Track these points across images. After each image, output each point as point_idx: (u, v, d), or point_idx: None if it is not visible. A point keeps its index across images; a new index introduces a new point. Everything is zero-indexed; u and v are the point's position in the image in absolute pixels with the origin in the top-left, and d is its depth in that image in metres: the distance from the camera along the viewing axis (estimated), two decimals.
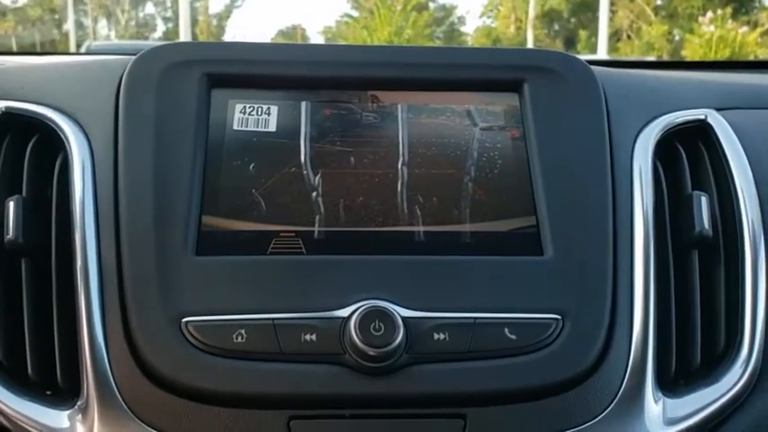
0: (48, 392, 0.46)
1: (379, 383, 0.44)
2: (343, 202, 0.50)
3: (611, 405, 0.45)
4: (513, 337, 0.45)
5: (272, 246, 0.48)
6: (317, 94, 0.54)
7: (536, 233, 0.50)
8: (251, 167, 0.51)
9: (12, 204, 0.48)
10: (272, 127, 0.53)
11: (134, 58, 0.54)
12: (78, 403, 0.44)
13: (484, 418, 0.44)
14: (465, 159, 0.52)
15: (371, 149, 0.52)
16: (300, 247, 0.48)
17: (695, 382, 0.48)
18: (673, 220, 0.53)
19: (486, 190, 0.51)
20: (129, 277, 0.46)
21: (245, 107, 0.53)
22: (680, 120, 0.56)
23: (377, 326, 0.43)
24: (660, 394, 0.47)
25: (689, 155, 0.56)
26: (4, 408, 0.44)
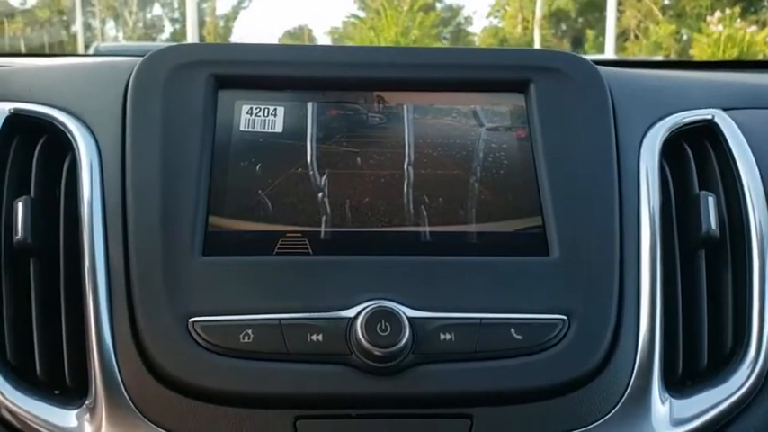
0: (56, 392, 0.46)
1: (386, 383, 0.44)
2: (349, 202, 0.50)
3: (618, 405, 0.45)
4: (520, 337, 0.45)
5: (278, 246, 0.48)
6: (323, 94, 0.54)
7: (542, 233, 0.50)
8: (257, 168, 0.51)
9: (20, 205, 0.48)
10: (279, 128, 0.53)
11: (141, 59, 0.54)
12: (86, 402, 0.45)
13: (490, 418, 0.44)
14: (471, 160, 0.53)
15: (377, 150, 0.53)
16: (307, 248, 0.49)
17: (702, 382, 0.48)
18: (680, 220, 0.52)
19: (492, 190, 0.51)
20: (136, 277, 0.46)
21: (251, 108, 0.53)
22: (687, 120, 0.56)
23: (383, 326, 0.43)
24: (667, 395, 0.47)
25: (696, 155, 0.56)
26: (13, 407, 0.44)
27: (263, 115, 0.53)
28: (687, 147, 0.56)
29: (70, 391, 0.46)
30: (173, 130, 0.51)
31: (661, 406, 0.46)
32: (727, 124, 0.56)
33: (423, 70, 0.55)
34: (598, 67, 0.57)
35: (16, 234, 0.47)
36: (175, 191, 0.49)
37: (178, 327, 0.45)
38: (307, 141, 0.52)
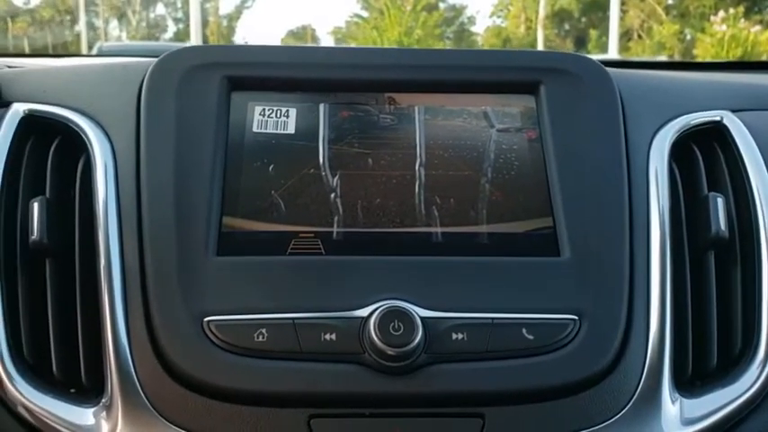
0: (72, 390, 0.47)
1: (399, 383, 0.44)
2: (361, 203, 0.51)
3: (628, 405, 0.46)
4: (531, 337, 0.46)
5: (291, 246, 0.49)
6: (334, 96, 0.55)
7: (553, 234, 0.50)
8: (270, 169, 0.51)
9: (36, 206, 0.48)
10: (291, 129, 0.53)
11: (155, 60, 0.54)
12: (102, 401, 0.45)
13: (502, 417, 0.45)
14: (482, 161, 0.53)
15: (389, 151, 0.53)
16: (319, 248, 0.49)
17: (712, 382, 0.49)
18: (689, 221, 0.53)
19: (503, 191, 0.52)
20: (151, 277, 0.47)
21: (264, 110, 0.54)
22: (696, 121, 0.57)
23: (396, 326, 0.44)
24: (677, 395, 0.47)
25: (704, 156, 0.56)
26: (30, 405, 0.45)
27: (276, 117, 0.54)
28: (696, 148, 0.56)
29: (86, 389, 0.47)
30: (187, 131, 0.51)
31: (671, 406, 0.46)
32: (735, 125, 0.57)
33: (434, 72, 0.56)
34: (607, 68, 0.57)
35: (32, 234, 0.48)
36: (190, 191, 0.49)
37: (193, 326, 0.45)
38: (319, 142, 0.53)
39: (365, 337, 0.44)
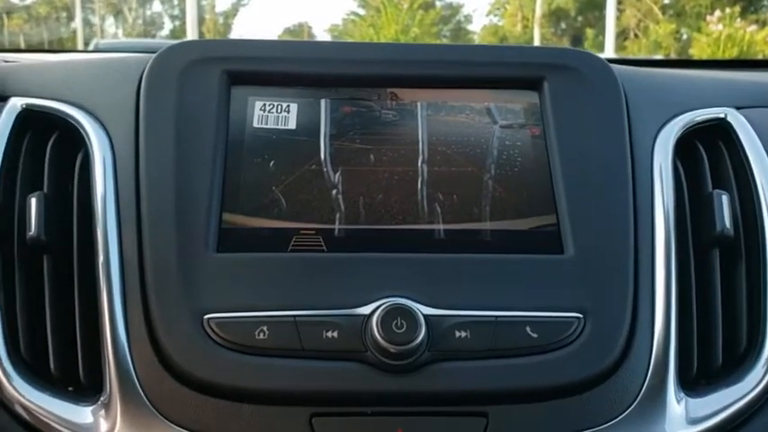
0: (70, 388, 0.46)
1: (401, 381, 0.44)
2: (363, 199, 0.50)
3: (633, 404, 0.45)
4: (535, 335, 0.45)
5: (292, 243, 0.48)
6: (336, 91, 0.54)
7: (556, 231, 0.49)
8: (271, 165, 0.51)
9: (33, 201, 0.48)
10: (292, 124, 0.53)
11: (154, 55, 0.54)
12: (101, 399, 0.44)
13: (506, 416, 0.44)
14: (485, 157, 0.52)
15: (391, 147, 0.52)
16: (321, 245, 0.48)
17: (717, 381, 0.48)
18: (693, 218, 0.52)
19: (507, 188, 0.51)
20: (150, 274, 0.46)
21: (264, 105, 0.53)
22: (700, 118, 0.56)
23: (399, 323, 0.43)
24: (682, 394, 0.47)
25: (709, 153, 0.55)
26: (27, 403, 0.44)
27: (277, 112, 0.53)
28: (700, 145, 0.56)
29: (84, 387, 0.46)
30: (186, 126, 0.51)
31: (676, 405, 0.46)
32: (739, 123, 0.56)
33: (437, 67, 0.55)
34: (612, 65, 0.57)
35: (30, 230, 0.47)
36: (189, 187, 0.49)
37: (193, 323, 0.44)
38: (320, 138, 0.52)
39: (367, 335, 0.44)
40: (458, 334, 0.45)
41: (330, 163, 0.51)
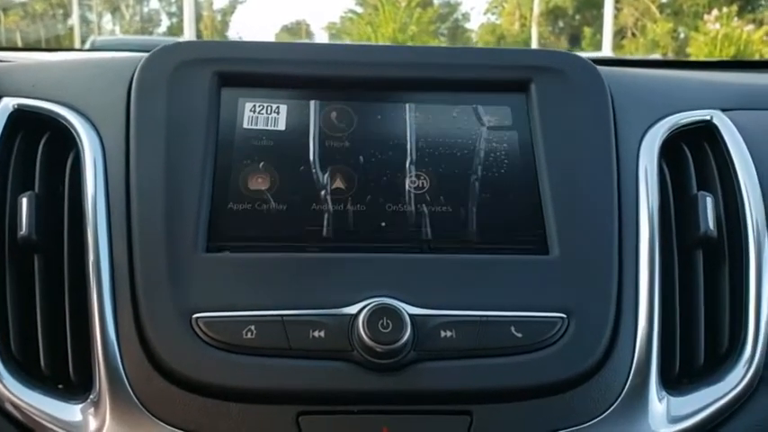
0: (59, 386, 0.47)
1: (387, 380, 0.44)
2: (351, 200, 0.51)
3: (616, 403, 0.46)
4: (519, 335, 0.46)
5: (280, 243, 0.49)
6: (325, 93, 0.55)
7: (542, 232, 0.50)
8: (260, 165, 0.51)
9: (25, 201, 0.48)
10: (282, 126, 0.53)
11: (145, 56, 0.54)
12: (90, 397, 0.45)
13: (490, 414, 0.45)
14: (472, 159, 0.53)
15: (379, 148, 0.53)
16: (309, 245, 0.49)
17: (698, 381, 0.49)
18: (678, 220, 0.53)
19: (493, 189, 0.52)
20: (140, 273, 0.47)
21: (254, 106, 0.54)
22: (685, 120, 0.57)
23: (384, 323, 0.44)
24: (664, 393, 0.47)
25: (694, 155, 0.56)
26: (17, 401, 0.45)
27: (267, 113, 0.53)
28: (685, 147, 0.56)
29: (74, 385, 0.46)
30: (176, 127, 0.51)
31: (658, 404, 0.47)
32: (725, 125, 0.57)
33: (425, 69, 0.55)
34: (598, 67, 0.57)
35: (20, 230, 0.48)
36: (179, 187, 0.49)
37: (181, 322, 0.45)
38: (309, 139, 0.53)
39: (354, 335, 0.44)
40: (443, 333, 0.45)
41: (319, 164, 0.52)
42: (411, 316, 0.45)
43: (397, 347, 0.44)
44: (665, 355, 0.49)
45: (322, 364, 0.44)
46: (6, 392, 0.45)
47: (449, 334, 0.45)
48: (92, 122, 0.52)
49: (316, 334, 0.45)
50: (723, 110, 0.58)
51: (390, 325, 0.44)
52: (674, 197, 0.54)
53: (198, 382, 0.44)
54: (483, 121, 0.55)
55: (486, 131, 0.54)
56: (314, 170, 0.52)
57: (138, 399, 0.44)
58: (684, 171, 0.55)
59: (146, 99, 0.52)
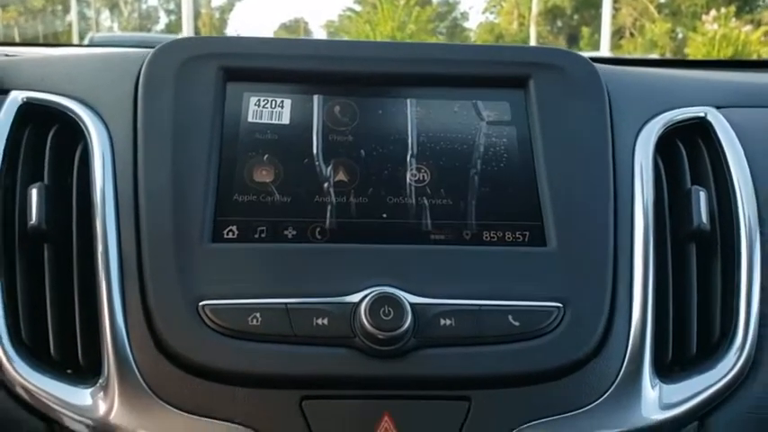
0: (69, 371, 0.48)
1: (388, 366, 0.46)
2: (353, 192, 0.52)
3: (610, 390, 0.47)
4: (517, 323, 0.47)
5: (284, 234, 0.50)
6: (329, 87, 0.56)
7: (540, 225, 0.51)
8: (265, 158, 0.53)
9: (35, 191, 0.49)
10: (286, 119, 0.54)
11: (152, 51, 0.55)
12: (99, 381, 0.46)
13: (488, 400, 0.46)
14: (471, 153, 0.54)
15: (381, 142, 0.54)
16: (312, 236, 0.50)
17: (691, 369, 0.50)
18: (672, 213, 0.54)
19: (492, 183, 0.53)
20: (147, 262, 0.48)
21: (259, 100, 0.55)
22: (680, 117, 0.58)
23: (386, 311, 0.45)
24: (657, 380, 0.49)
25: (689, 151, 0.57)
26: (27, 385, 0.46)
27: (271, 107, 0.55)
28: (680, 143, 0.58)
29: (83, 370, 0.48)
30: (183, 120, 0.52)
31: (651, 391, 0.48)
32: (719, 122, 0.58)
33: (426, 65, 0.57)
34: (595, 64, 0.59)
35: (30, 219, 0.49)
36: (185, 179, 0.50)
37: (188, 310, 0.46)
38: (313, 133, 0.54)
39: (356, 322, 0.46)
40: (443, 322, 0.46)
41: (322, 157, 0.53)
42: (412, 304, 0.46)
43: (397, 334, 0.45)
44: (658, 344, 0.50)
45: (325, 351, 0.46)
46: (17, 377, 0.46)
47: (448, 322, 0.46)
48: (100, 115, 0.54)
49: (319, 321, 0.46)
50: (717, 107, 0.60)
51: (392, 313, 0.45)
52: (669, 191, 0.55)
53: (204, 366, 0.45)
54: (482, 116, 0.56)
55: (485, 126, 0.55)
56: (317, 163, 0.53)
57: (146, 383, 0.45)
58: (679, 166, 0.57)
59: (153, 93, 0.53)
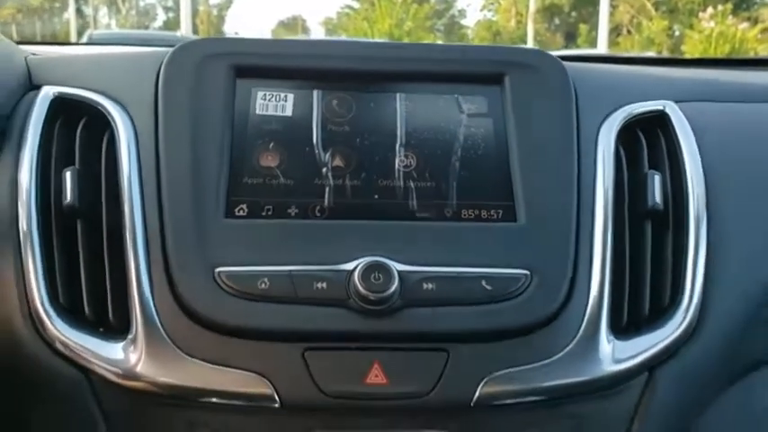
0: (101, 330, 0.55)
1: (378, 323, 0.52)
2: (348, 176, 0.59)
3: (570, 345, 0.54)
4: (489, 287, 0.54)
5: (288, 212, 0.57)
6: (327, 83, 0.63)
7: (511, 204, 0.58)
8: (270, 146, 0.60)
9: (68, 174, 0.56)
10: (289, 112, 0.61)
11: (171, 50, 0.62)
12: (128, 337, 0.53)
13: (463, 352, 0.53)
14: (453, 142, 0.61)
15: (374, 132, 0.61)
16: (313, 214, 0.57)
17: (643, 329, 0.57)
18: (630, 194, 0.61)
19: (470, 168, 0.60)
20: (170, 236, 0.54)
21: (265, 94, 0.62)
22: (640, 110, 0.65)
23: (376, 276, 0.52)
24: (612, 337, 0.55)
25: (648, 140, 0.64)
26: (66, 341, 0.53)
27: (276, 101, 0.62)
28: (641, 133, 0.64)
29: (114, 328, 0.54)
30: (198, 112, 0.59)
31: (607, 346, 0.55)
32: (676, 114, 0.65)
33: (414, 64, 0.64)
34: (565, 63, 0.66)
35: (65, 199, 0.55)
36: (202, 164, 0.57)
37: (206, 275, 0.53)
38: (313, 123, 0.61)
39: (351, 286, 0.52)
40: (425, 286, 0.53)
41: (321, 145, 0.60)
42: (399, 271, 0.53)
43: (386, 296, 0.52)
44: (615, 307, 0.57)
45: (324, 310, 0.52)
46: (57, 333, 0.53)
47: (430, 286, 0.53)
48: (125, 108, 0.60)
49: (319, 285, 0.53)
50: (677, 101, 0.66)
51: (381, 278, 0.52)
52: (629, 175, 0.62)
53: (220, 323, 0.52)
54: (463, 109, 0.63)
55: (465, 118, 0.62)
56: (317, 150, 0.60)
57: (169, 338, 0.52)
58: (638, 153, 0.63)
59: (172, 88, 0.60)
